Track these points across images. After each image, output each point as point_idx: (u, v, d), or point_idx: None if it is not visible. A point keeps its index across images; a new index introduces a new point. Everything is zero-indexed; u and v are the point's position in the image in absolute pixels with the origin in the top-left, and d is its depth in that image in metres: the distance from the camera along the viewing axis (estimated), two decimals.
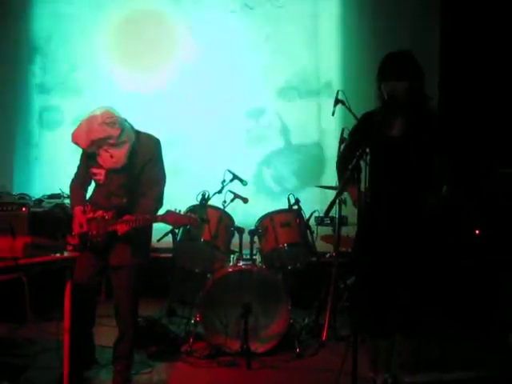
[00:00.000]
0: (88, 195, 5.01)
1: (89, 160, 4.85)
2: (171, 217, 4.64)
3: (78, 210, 4.77)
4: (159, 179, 4.85)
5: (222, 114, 7.75)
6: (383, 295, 4.45)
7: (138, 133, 4.84)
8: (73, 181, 5.01)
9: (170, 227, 5.79)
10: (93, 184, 4.98)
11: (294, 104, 7.82)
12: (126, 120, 4.78)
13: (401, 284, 4.40)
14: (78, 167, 5.01)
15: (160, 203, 4.80)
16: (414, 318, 4.46)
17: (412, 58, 4.44)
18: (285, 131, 7.81)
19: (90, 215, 4.70)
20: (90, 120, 4.61)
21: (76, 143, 4.67)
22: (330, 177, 6.01)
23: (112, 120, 4.60)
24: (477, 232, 6.52)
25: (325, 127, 7.58)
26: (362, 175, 4.02)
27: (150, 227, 4.91)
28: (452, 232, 6.38)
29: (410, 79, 4.37)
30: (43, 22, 7.99)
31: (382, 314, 4.51)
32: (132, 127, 4.82)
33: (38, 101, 8.05)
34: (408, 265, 4.38)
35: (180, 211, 4.65)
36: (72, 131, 4.69)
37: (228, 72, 7.79)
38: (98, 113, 4.63)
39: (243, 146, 7.72)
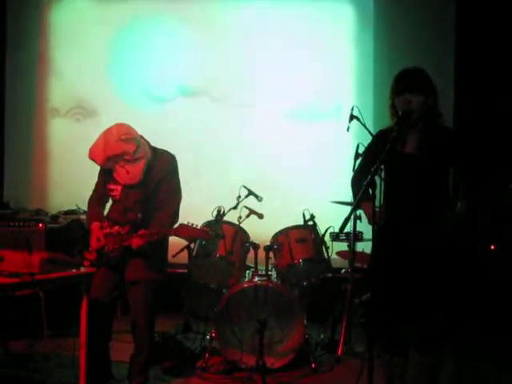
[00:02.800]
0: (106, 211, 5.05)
1: (106, 176, 4.89)
2: (184, 230, 4.65)
3: (95, 225, 4.81)
4: (175, 194, 4.88)
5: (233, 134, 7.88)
6: (398, 312, 4.43)
7: (154, 149, 4.88)
8: (91, 197, 5.06)
9: (185, 242, 5.81)
10: (110, 200, 5.02)
11: (307, 127, 7.90)
12: (142, 136, 4.82)
13: (416, 300, 4.39)
14: (96, 183, 5.05)
15: (175, 218, 4.81)
16: (429, 335, 4.43)
17: (426, 74, 4.44)
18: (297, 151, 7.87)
19: (107, 230, 4.73)
20: (106, 136, 4.65)
21: (93, 159, 4.72)
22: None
23: (128, 136, 4.64)
24: (492, 247, 6.50)
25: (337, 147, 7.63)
26: (377, 191, 4.03)
27: (166, 242, 4.93)
28: (468, 247, 6.37)
29: (425, 94, 4.37)
30: (60, 44, 8.12)
31: (397, 331, 4.49)
32: (148, 143, 4.86)
33: (53, 122, 8.14)
34: (423, 281, 4.36)
35: (193, 225, 4.66)
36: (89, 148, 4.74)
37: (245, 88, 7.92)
38: (113, 129, 4.68)
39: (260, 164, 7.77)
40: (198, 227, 4.69)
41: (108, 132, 4.68)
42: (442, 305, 4.41)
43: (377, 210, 4.14)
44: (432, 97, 4.40)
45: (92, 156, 4.71)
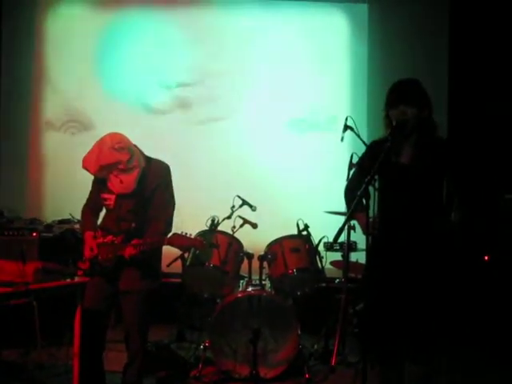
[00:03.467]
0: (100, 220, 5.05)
1: (100, 185, 4.89)
2: (177, 239, 4.64)
3: (88, 234, 4.80)
4: (168, 204, 4.87)
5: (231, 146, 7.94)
6: (393, 322, 4.43)
7: (148, 159, 4.88)
8: (84, 206, 5.04)
9: (179, 252, 5.81)
10: (104, 209, 5.01)
11: (301, 137, 7.95)
12: (136, 146, 4.82)
13: (411, 309, 4.40)
14: (90, 192, 5.04)
15: (169, 227, 4.80)
16: (424, 345, 4.44)
17: (420, 86, 4.46)
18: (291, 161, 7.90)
19: (100, 240, 4.72)
20: (100, 145, 4.65)
21: (86, 169, 4.71)
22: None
23: (121, 145, 4.64)
24: (486, 258, 6.52)
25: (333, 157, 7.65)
26: (371, 201, 4.04)
27: (160, 252, 4.92)
28: (461, 258, 6.38)
29: (419, 105, 4.39)
30: (55, 57, 8.14)
31: (391, 341, 4.50)
32: (142, 153, 4.86)
33: (48, 135, 8.17)
34: (419, 290, 4.37)
35: (186, 234, 4.66)
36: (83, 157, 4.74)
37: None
38: (107, 138, 4.67)
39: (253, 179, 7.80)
40: (192, 236, 4.69)
41: (101, 141, 4.68)
42: (437, 314, 4.42)
43: (370, 220, 4.15)
44: (426, 108, 4.42)
45: (85, 165, 4.70)
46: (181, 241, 4.65)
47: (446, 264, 4.46)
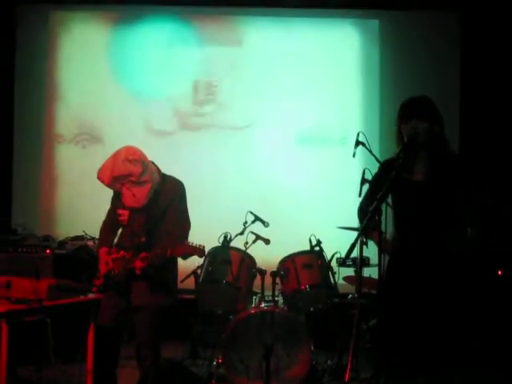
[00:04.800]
0: None
1: (116, 202, 4.93)
2: (179, 249, 4.64)
3: (102, 251, 4.84)
4: (182, 220, 4.89)
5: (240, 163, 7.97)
6: (408, 337, 4.42)
7: (163, 176, 4.91)
8: (102, 223, 5.09)
9: (192, 268, 5.83)
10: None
11: (313, 152, 7.97)
12: (152, 162, 4.86)
13: (427, 326, 4.39)
14: (109, 210, 5.09)
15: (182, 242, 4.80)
16: (437, 360, 4.42)
17: (431, 102, 4.48)
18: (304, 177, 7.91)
19: (114, 256, 4.75)
20: (114, 157, 4.71)
21: (101, 180, 4.76)
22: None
23: (134, 157, 4.68)
24: (499, 273, 6.49)
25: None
26: (383, 218, 4.05)
27: (175, 268, 4.93)
28: (475, 273, 6.37)
29: (430, 121, 4.40)
30: (67, 72, 8.21)
31: (405, 356, 4.48)
32: (158, 169, 4.90)
33: (59, 148, 8.21)
34: (434, 307, 4.36)
35: (188, 243, 4.66)
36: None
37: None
38: (122, 150, 4.74)
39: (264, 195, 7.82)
40: (193, 244, 4.67)
41: (117, 153, 4.75)
42: (452, 329, 4.41)
43: (384, 236, 4.16)
44: (438, 125, 4.43)
45: (100, 176, 4.76)
46: (182, 249, 4.64)
47: (462, 281, 4.45)
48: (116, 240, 5.03)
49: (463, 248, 4.40)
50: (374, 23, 8.03)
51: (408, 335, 4.40)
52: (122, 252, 4.74)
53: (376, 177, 4.75)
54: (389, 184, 4.10)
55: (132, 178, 4.69)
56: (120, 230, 5.05)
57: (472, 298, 6.34)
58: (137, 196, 4.74)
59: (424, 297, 4.34)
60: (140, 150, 4.81)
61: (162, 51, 8.15)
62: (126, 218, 4.89)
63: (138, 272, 4.62)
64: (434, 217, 4.39)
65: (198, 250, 4.70)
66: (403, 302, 4.39)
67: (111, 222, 5.05)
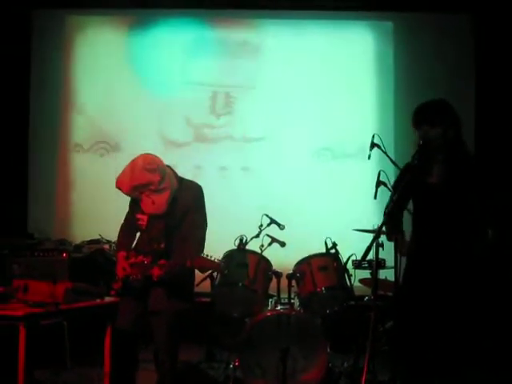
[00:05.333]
0: None
1: (134, 206, 4.94)
2: (198, 261, 4.66)
3: (121, 255, 4.85)
4: (200, 225, 4.90)
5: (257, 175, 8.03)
6: (424, 340, 4.42)
7: (180, 180, 4.92)
8: (121, 226, 5.11)
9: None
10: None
11: (327, 165, 8.02)
12: (169, 167, 4.87)
13: (442, 330, 4.38)
14: (127, 213, 5.11)
15: (200, 249, 4.81)
16: (453, 363, 4.41)
17: (446, 105, 4.49)
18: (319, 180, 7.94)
19: (132, 260, 4.76)
20: (132, 166, 4.72)
21: (119, 188, 4.77)
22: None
23: (152, 166, 4.69)
24: None
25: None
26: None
27: (192, 273, 4.94)
28: (498, 276, 6.36)
29: (443, 125, 4.40)
30: (84, 80, 8.24)
31: (421, 359, 4.47)
32: (175, 174, 4.91)
33: (77, 157, 8.26)
34: (453, 310, 4.36)
35: (208, 256, 4.68)
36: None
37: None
38: (139, 159, 4.74)
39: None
40: (212, 258, 4.69)
41: (134, 162, 4.75)
42: (469, 332, 4.40)
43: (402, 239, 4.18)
44: (453, 128, 4.43)
45: (118, 185, 4.77)
46: (202, 262, 4.66)
47: (484, 284, 4.45)
48: (134, 244, 5.05)
49: (483, 251, 4.40)
50: (388, 25, 8.02)
51: (424, 338, 4.39)
52: (140, 257, 4.75)
53: (397, 180, 4.77)
54: (403, 187, 4.12)
55: (151, 187, 4.71)
56: (139, 234, 5.06)
57: (488, 300, 6.33)
58: (156, 203, 4.76)
59: (440, 300, 4.34)
60: (157, 157, 4.82)
61: (179, 59, 8.18)
62: (144, 222, 4.91)
63: (155, 279, 4.64)
64: (449, 219, 4.39)
65: (217, 265, 4.71)
66: (420, 305, 4.39)
67: (129, 226, 5.07)
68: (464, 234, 4.39)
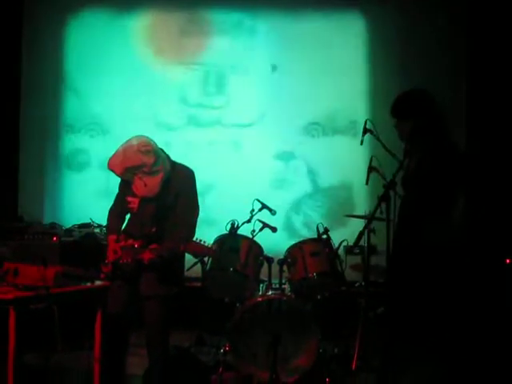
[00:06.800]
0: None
1: (125, 188, 4.91)
2: (191, 246, 4.65)
3: (111, 238, 4.84)
4: (192, 210, 4.88)
5: (249, 154, 7.98)
6: (400, 326, 4.49)
7: (173, 163, 4.90)
8: (110, 209, 5.08)
9: None
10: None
11: (318, 141, 7.96)
12: (162, 150, 4.84)
13: (417, 313, 4.45)
14: (116, 196, 5.07)
15: (191, 233, 4.79)
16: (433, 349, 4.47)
17: (410, 97, 4.60)
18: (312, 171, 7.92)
19: (122, 244, 4.73)
20: (126, 147, 4.68)
21: (112, 170, 4.74)
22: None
23: (147, 148, 4.66)
24: (508, 261, 6.47)
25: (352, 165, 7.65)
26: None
27: (183, 257, 4.93)
28: (480, 261, 6.37)
29: (409, 117, 4.51)
30: (76, 61, 8.16)
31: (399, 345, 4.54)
32: (168, 157, 4.88)
33: (67, 138, 8.19)
34: (422, 295, 4.42)
35: (201, 241, 4.67)
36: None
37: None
38: (134, 141, 4.71)
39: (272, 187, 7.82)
40: (205, 244, 4.68)
41: (128, 143, 4.72)
42: (444, 316, 4.46)
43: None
44: (423, 119, 4.51)
45: (111, 166, 4.73)
46: (195, 248, 4.66)
47: (443, 266, 4.49)
48: (124, 227, 5.03)
49: (440, 237, 4.45)
50: (379, 8, 7.96)
51: (401, 323, 4.46)
52: (130, 240, 4.73)
53: None
54: (395, 172, 4.20)
55: (144, 169, 4.67)
56: (128, 217, 5.04)
57: (480, 288, 6.34)
58: (148, 185, 4.73)
59: (408, 284, 4.42)
60: (151, 140, 4.79)
61: (172, 41, 8.11)
62: (135, 205, 4.88)
63: (146, 263, 4.63)
64: (410, 208, 4.47)
65: (211, 251, 4.73)
66: (395, 291, 4.46)
67: (119, 209, 5.04)
68: (423, 222, 4.46)
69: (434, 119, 4.60)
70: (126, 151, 4.67)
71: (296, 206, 7.72)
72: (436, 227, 4.47)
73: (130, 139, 4.74)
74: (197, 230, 4.90)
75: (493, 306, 6.43)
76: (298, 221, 7.61)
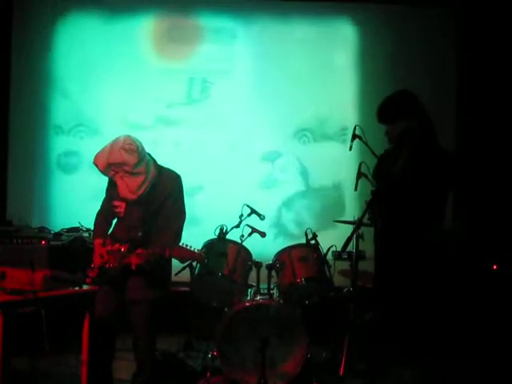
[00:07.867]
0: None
1: (112, 193, 4.92)
2: (178, 251, 4.66)
3: (97, 242, 4.83)
4: (178, 214, 4.89)
5: (238, 158, 7.94)
6: (389, 329, 4.49)
7: (160, 168, 4.90)
8: (97, 213, 5.09)
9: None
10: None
11: (308, 147, 7.96)
12: (149, 154, 4.85)
13: (405, 316, 4.45)
14: (103, 200, 5.08)
15: (177, 239, 4.81)
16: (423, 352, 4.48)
17: (403, 99, 4.61)
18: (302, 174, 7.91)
19: (109, 248, 4.73)
20: (112, 144, 4.74)
21: (95, 165, 4.77)
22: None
23: (131, 147, 4.67)
24: (494, 267, 6.50)
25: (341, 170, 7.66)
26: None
27: (169, 262, 4.93)
28: (467, 266, 6.39)
29: (397, 120, 4.52)
30: (65, 62, 8.12)
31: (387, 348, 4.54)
32: (154, 161, 4.89)
33: (56, 141, 8.14)
34: (411, 299, 4.43)
35: (187, 246, 4.67)
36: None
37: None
38: (121, 138, 4.75)
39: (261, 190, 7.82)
40: (192, 249, 4.68)
41: (115, 140, 4.77)
42: (431, 319, 4.47)
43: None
44: (413, 120, 4.52)
45: (95, 161, 4.77)
46: (181, 252, 4.66)
47: (438, 272, 4.50)
48: (110, 231, 5.03)
49: (435, 239, 4.45)
50: (372, 15, 7.98)
51: (390, 326, 4.47)
52: (117, 245, 4.73)
53: (374, 168, 4.85)
54: (373, 175, 4.22)
55: (126, 168, 4.69)
56: (115, 221, 5.04)
57: (467, 293, 6.36)
58: (129, 186, 4.74)
59: (398, 288, 4.41)
60: (138, 141, 4.80)
61: (160, 44, 8.07)
62: (122, 210, 4.89)
63: (133, 268, 4.63)
64: (403, 206, 4.46)
65: (198, 256, 4.73)
66: (384, 295, 4.46)
67: (106, 212, 5.04)
68: (419, 223, 4.46)
69: (421, 117, 4.61)
70: (111, 147, 4.70)
71: (286, 207, 7.72)
72: (431, 228, 4.47)
73: (118, 137, 4.78)
74: (184, 230, 4.92)
75: (480, 311, 6.45)
76: (287, 223, 7.60)
